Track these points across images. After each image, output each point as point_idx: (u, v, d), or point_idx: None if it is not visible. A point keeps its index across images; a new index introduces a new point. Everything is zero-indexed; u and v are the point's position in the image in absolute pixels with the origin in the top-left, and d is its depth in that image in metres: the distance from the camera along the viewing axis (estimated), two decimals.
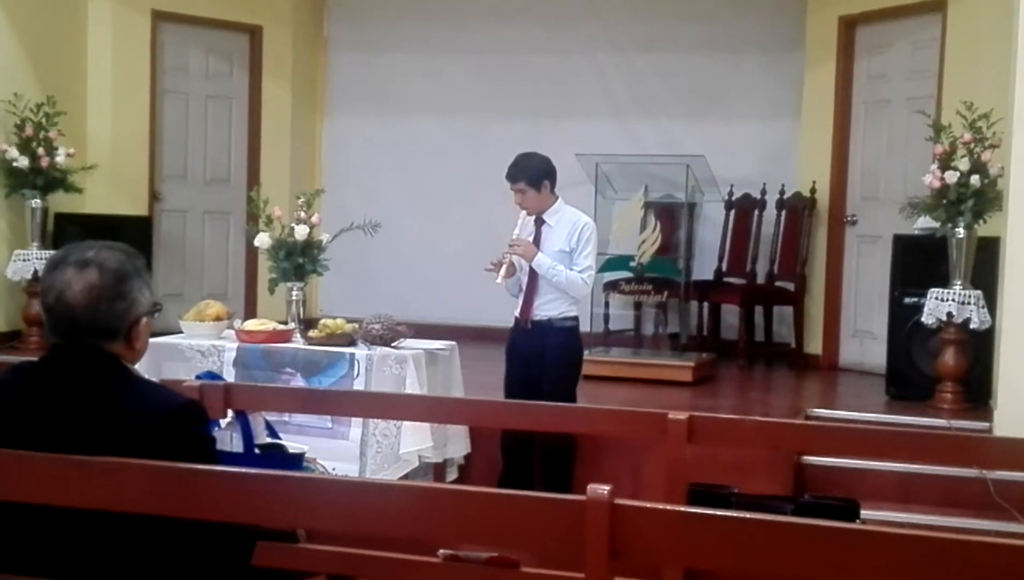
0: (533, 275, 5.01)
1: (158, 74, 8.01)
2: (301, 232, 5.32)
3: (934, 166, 5.70)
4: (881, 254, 6.88)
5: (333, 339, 5.03)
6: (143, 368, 2.68)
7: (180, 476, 2.05)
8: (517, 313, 5.10)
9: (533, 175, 4.98)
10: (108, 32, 7.69)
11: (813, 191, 7.53)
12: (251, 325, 5.22)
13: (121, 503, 2.04)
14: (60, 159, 6.81)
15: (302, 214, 5.38)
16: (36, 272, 6.54)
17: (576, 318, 5.07)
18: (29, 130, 6.77)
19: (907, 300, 6.09)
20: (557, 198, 5.08)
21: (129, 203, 7.74)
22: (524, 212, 5.05)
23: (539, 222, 5.06)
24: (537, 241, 5.03)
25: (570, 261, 4.98)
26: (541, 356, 4.97)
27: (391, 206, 7.94)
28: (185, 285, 8.11)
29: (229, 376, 4.81)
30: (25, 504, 2.10)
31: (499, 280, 4.98)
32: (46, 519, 2.13)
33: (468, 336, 6.45)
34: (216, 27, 8.24)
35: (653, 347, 7.34)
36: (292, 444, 3.32)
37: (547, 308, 5.01)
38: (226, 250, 8.46)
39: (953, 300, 5.62)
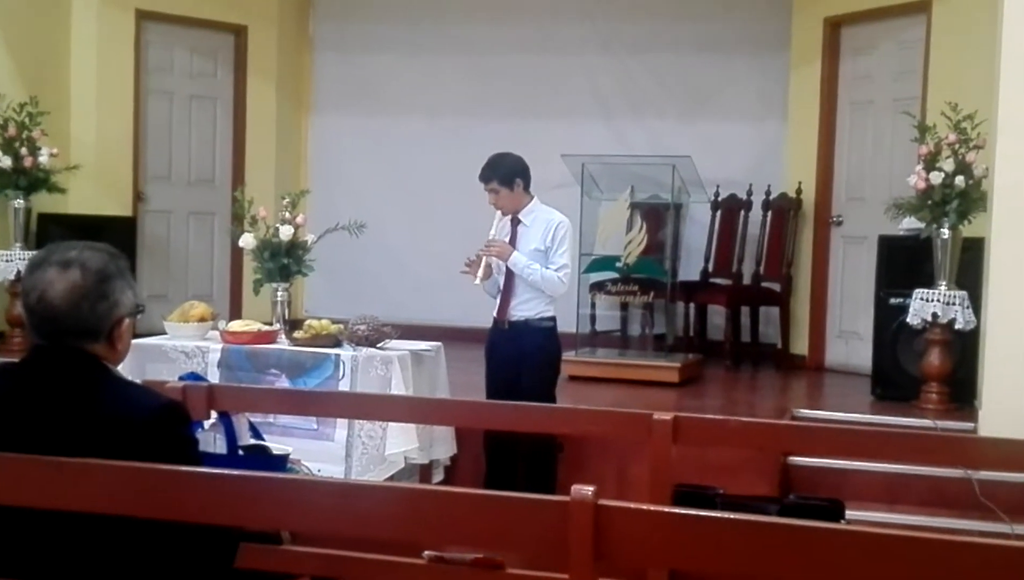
0: (510, 275, 5.02)
1: (142, 74, 7.97)
2: (286, 232, 5.30)
3: (919, 167, 5.71)
4: (867, 255, 6.90)
5: (318, 340, 5.01)
6: (127, 369, 2.67)
7: (162, 478, 2.04)
8: (495, 313, 5.11)
9: (505, 174, 4.99)
10: (92, 31, 7.66)
11: (799, 192, 7.55)
12: (236, 326, 5.20)
13: (102, 505, 2.03)
14: (43, 159, 6.77)
15: (287, 214, 5.36)
16: (19, 273, 6.50)
17: (553, 318, 5.08)
18: (12, 130, 6.72)
19: (892, 301, 6.11)
20: (532, 198, 5.09)
21: (113, 204, 7.70)
22: (499, 213, 5.06)
23: (515, 222, 5.08)
24: (513, 241, 5.04)
25: (546, 260, 4.99)
26: (520, 357, 4.98)
27: (377, 207, 7.92)
28: (169, 286, 8.08)
29: (213, 377, 4.79)
30: (5, 506, 2.08)
31: (477, 281, 4.99)
32: (27, 521, 2.11)
33: (454, 337, 6.44)
34: (201, 27, 8.21)
35: (639, 348, 7.34)
36: (276, 445, 3.31)
37: (524, 308, 5.02)
38: (211, 251, 8.43)
39: (938, 301, 5.64)
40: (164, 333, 5.23)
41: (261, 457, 3.11)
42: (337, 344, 5.01)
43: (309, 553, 2.98)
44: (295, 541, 2.98)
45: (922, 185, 5.65)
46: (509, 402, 4.18)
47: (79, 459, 2.04)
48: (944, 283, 5.66)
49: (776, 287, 7.63)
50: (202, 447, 2.76)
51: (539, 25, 8.50)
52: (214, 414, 3.16)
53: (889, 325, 6.14)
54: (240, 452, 3.08)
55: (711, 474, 4.17)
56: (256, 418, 3.50)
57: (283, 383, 4.90)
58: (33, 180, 6.78)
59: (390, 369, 4.85)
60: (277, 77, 8.60)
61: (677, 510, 1.89)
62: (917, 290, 5.73)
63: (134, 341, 2.43)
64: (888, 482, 5.02)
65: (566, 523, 1.81)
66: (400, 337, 5.13)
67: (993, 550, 1.69)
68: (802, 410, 5.85)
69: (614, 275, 6.91)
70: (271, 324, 5.29)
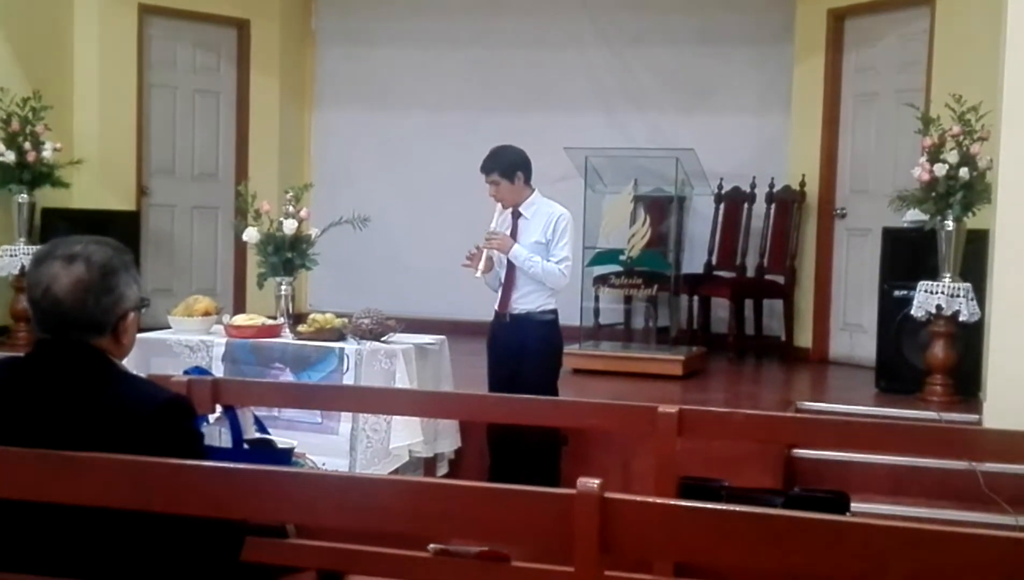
0: (511, 268, 5.02)
1: (145, 68, 7.97)
2: (289, 226, 5.30)
3: (923, 159, 5.70)
4: (871, 247, 6.89)
5: (322, 334, 5.02)
6: (131, 364, 2.67)
7: (168, 471, 2.05)
8: (496, 306, 5.11)
9: (506, 167, 4.99)
10: (95, 26, 7.65)
11: (803, 184, 7.54)
12: (240, 320, 5.20)
13: (108, 499, 2.03)
14: (47, 154, 6.77)
15: (290, 209, 5.36)
16: (23, 267, 6.50)
17: (555, 311, 5.07)
18: (15, 125, 6.72)
19: (897, 293, 6.10)
20: (533, 190, 5.09)
21: (117, 198, 7.70)
22: (500, 205, 5.06)
23: (515, 215, 5.08)
24: (514, 234, 5.04)
25: (547, 253, 4.99)
26: (521, 350, 4.98)
27: (380, 200, 7.94)
28: (173, 280, 8.08)
29: (218, 371, 4.80)
30: (11, 500, 2.09)
31: (478, 274, 5.00)
32: (33, 515, 2.11)
33: (458, 330, 6.44)
34: (203, 21, 8.21)
35: (643, 341, 7.33)
36: (281, 439, 3.32)
37: (525, 301, 5.02)
38: (214, 245, 8.43)
39: (942, 293, 5.63)
40: (168, 327, 5.23)
41: (266, 451, 3.11)
42: (341, 338, 5.01)
43: (314, 546, 2.99)
44: (300, 534, 2.99)
45: (926, 177, 5.64)
46: (514, 395, 4.19)
47: (85, 453, 2.04)
48: (948, 275, 5.65)
49: (780, 280, 7.62)
50: (207, 441, 2.76)
51: (541, 19, 8.49)
52: (219, 408, 3.17)
53: (893, 317, 6.13)
54: (245, 446, 3.09)
55: (716, 467, 4.18)
56: (261, 412, 3.51)
57: (287, 377, 4.90)
58: (37, 175, 6.78)
59: (394, 363, 4.85)
60: (280, 71, 8.60)
61: (682, 503, 1.89)
62: (921, 282, 5.72)
63: (138, 335, 2.43)
64: (892, 474, 5.02)
65: (572, 516, 1.81)
66: (404, 330, 5.13)
67: (997, 542, 1.69)
68: (806, 403, 5.84)
69: (618, 268, 6.91)
70: (275, 318, 5.29)
